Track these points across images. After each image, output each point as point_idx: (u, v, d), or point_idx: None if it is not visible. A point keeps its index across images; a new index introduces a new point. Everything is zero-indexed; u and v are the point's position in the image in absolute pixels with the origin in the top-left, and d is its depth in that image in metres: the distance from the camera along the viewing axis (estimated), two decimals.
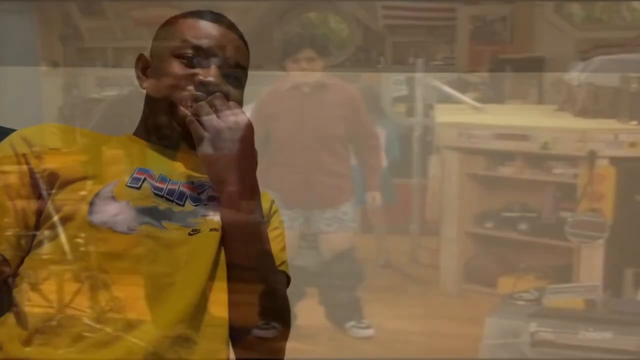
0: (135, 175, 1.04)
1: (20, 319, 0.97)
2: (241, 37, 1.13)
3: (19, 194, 1.01)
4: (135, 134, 1.14)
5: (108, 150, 1.08)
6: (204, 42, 1.08)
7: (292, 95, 3.00)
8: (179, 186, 1.06)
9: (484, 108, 3.52)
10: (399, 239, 3.61)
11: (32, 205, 1.01)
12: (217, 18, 1.11)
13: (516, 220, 3.35)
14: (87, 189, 1.00)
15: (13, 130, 1.15)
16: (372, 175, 3.14)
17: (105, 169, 1.04)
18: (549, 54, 3.41)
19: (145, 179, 1.04)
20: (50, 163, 1.02)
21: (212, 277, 1.02)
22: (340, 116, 3.00)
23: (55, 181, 1.01)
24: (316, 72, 2.96)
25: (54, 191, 1.01)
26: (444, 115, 3.52)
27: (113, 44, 3.71)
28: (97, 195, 1.00)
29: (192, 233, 1.02)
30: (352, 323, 3.09)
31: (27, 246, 1.01)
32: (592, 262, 3.09)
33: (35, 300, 0.97)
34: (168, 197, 1.03)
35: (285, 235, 1.18)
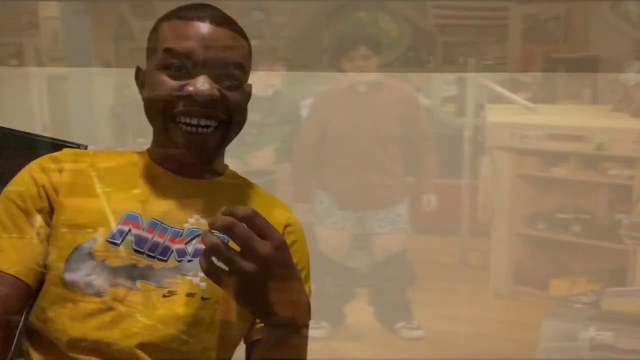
0: (120, 226, 0.96)
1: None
2: (235, 29, 1.00)
3: (39, 224, 0.97)
4: (149, 151, 1.07)
5: (107, 188, 1.00)
6: (188, 47, 0.95)
7: (348, 94, 3.00)
8: (166, 239, 0.97)
9: (537, 108, 3.47)
10: (449, 239, 3.59)
11: (46, 236, 0.97)
12: (200, 14, 0.98)
13: (569, 222, 3.30)
14: (70, 239, 0.95)
15: (13, 131, 1.12)
16: (427, 176, 3.12)
17: (95, 217, 0.97)
18: (604, 54, 3.35)
19: (129, 230, 0.96)
20: (56, 202, 0.98)
21: (185, 338, 0.94)
22: (396, 116, 2.98)
23: (54, 222, 0.97)
24: (370, 71, 2.95)
25: (50, 232, 0.97)
26: (495, 115, 3.49)
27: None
28: (76, 249, 0.94)
29: (167, 295, 0.94)
30: (401, 324, 3.08)
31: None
32: None
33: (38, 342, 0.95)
34: (149, 253, 0.95)
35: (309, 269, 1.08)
